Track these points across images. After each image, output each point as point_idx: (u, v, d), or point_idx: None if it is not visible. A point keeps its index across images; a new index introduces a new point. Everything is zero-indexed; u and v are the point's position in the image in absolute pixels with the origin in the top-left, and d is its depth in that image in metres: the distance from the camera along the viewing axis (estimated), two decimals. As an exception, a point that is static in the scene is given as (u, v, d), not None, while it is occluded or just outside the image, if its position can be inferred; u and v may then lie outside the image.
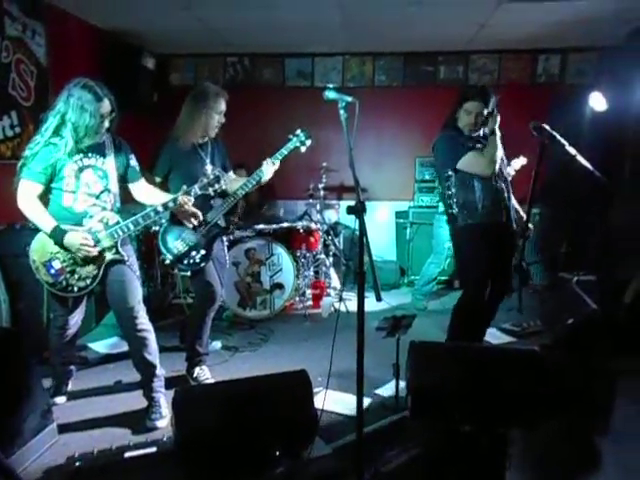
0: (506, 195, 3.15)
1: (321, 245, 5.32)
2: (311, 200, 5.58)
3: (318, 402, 2.38)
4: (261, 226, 4.84)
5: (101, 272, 2.67)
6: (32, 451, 2.47)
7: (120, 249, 2.68)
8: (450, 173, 3.10)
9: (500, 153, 3.02)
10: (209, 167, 3.13)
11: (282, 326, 4.53)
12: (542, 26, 4.96)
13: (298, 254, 5.03)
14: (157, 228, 3.20)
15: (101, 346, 3.94)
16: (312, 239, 5.15)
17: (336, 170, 5.68)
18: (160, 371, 2.88)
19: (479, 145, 3.08)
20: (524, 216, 3.36)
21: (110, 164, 2.70)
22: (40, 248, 2.61)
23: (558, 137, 3.10)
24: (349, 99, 2.18)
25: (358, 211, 2.00)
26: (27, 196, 2.55)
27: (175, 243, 3.09)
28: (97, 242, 2.61)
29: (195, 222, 3.02)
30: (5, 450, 2.24)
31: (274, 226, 4.94)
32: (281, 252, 4.71)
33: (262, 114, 6.15)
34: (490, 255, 3.07)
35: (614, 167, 4.74)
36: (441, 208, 4.43)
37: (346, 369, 3.12)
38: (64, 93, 2.51)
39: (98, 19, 4.87)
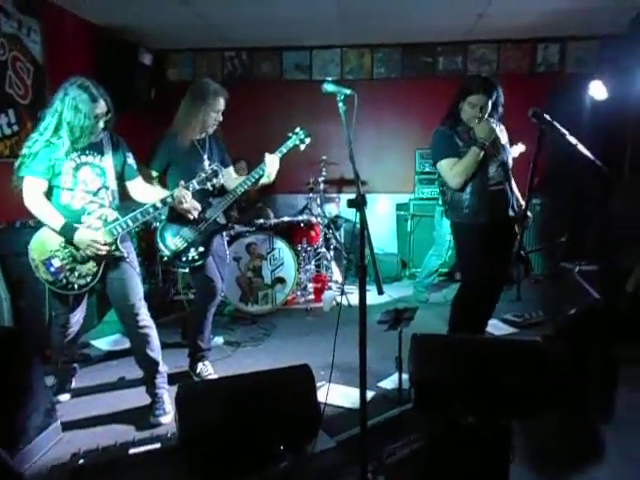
0: (505, 187, 3.14)
1: (322, 239, 5.32)
2: (311, 194, 5.58)
3: (321, 396, 2.39)
4: (261, 220, 4.84)
5: (101, 269, 2.67)
6: (37, 449, 2.47)
7: (120, 246, 2.68)
8: None
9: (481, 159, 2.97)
10: (207, 163, 3.12)
11: (284, 320, 4.54)
12: (540, 15, 4.93)
13: (299, 248, 5.03)
14: (157, 224, 3.19)
15: (103, 343, 3.95)
16: (313, 233, 5.16)
17: (336, 163, 5.68)
18: (163, 367, 2.89)
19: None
20: (523, 205, 3.35)
21: (108, 161, 2.70)
22: (39, 246, 2.60)
23: (558, 126, 3.08)
24: (348, 92, 2.17)
25: (359, 204, 1.99)
26: (33, 193, 2.54)
27: (173, 240, 3.09)
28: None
29: (195, 214, 3.00)
30: (10, 448, 2.24)
31: (275, 220, 4.94)
32: (282, 246, 4.70)
33: (260, 108, 6.13)
34: (485, 250, 3.06)
35: (615, 156, 4.73)
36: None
37: (349, 363, 3.12)
38: (60, 91, 2.50)
39: (94, 15, 4.85)
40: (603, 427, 2.66)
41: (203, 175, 2.79)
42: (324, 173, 5.55)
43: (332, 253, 5.46)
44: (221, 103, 3.08)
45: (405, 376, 2.91)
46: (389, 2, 4.48)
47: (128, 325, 2.78)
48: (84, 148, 2.61)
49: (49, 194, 2.60)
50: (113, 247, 2.65)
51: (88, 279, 2.66)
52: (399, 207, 6.10)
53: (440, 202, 3.39)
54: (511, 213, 3.15)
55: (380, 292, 1.97)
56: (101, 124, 2.58)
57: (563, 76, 5.84)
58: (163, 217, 3.16)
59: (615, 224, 4.29)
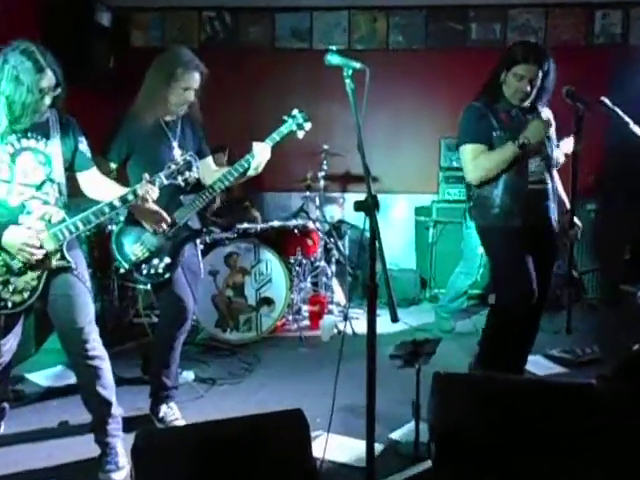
0: (547, 187, 3.15)
1: (321, 250, 5.33)
2: (308, 192, 5.59)
3: (318, 449, 2.37)
4: (245, 225, 4.84)
5: (42, 283, 2.66)
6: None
7: (66, 254, 2.67)
8: None
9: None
10: (178, 151, 3.13)
11: (271, 352, 4.53)
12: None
13: (292, 261, 5.03)
14: (113, 228, 3.20)
15: (42, 377, 3.93)
16: (310, 242, 5.16)
17: (340, 154, 5.68)
18: (117, 410, 2.86)
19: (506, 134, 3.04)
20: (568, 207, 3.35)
21: (55, 147, 2.69)
22: (-38, 252, 2.59)
23: (620, 113, 3.10)
24: (357, 65, 2.18)
25: (369, 207, 2.00)
26: None
27: (132, 248, 3.08)
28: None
29: (164, 226, 3.01)
30: None
31: (262, 225, 4.94)
32: (270, 258, 4.70)
33: (247, 83, 6.16)
34: (519, 262, 3.08)
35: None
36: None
37: (353, 407, 3.11)
38: None
39: (40, -37, 4.88)
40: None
41: (173, 167, 2.79)
42: (325, 167, 5.57)
43: (333, 268, 5.46)
44: (194, 78, 3.08)
45: (423, 426, 2.90)
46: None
47: (74, 355, 2.76)
48: (25, 130, 2.61)
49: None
50: (57, 255, 2.65)
51: (25, 295, 2.64)
52: (419, 211, 6.11)
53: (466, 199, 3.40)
54: (554, 219, 3.16)
55: (394, 319, 1.97)
56: (47, 100, 2.59)
57: (627, 49, 5.88)
58: (121, 218, 3.17)
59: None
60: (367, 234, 2.02)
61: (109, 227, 4.05)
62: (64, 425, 3.30)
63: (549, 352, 4.35)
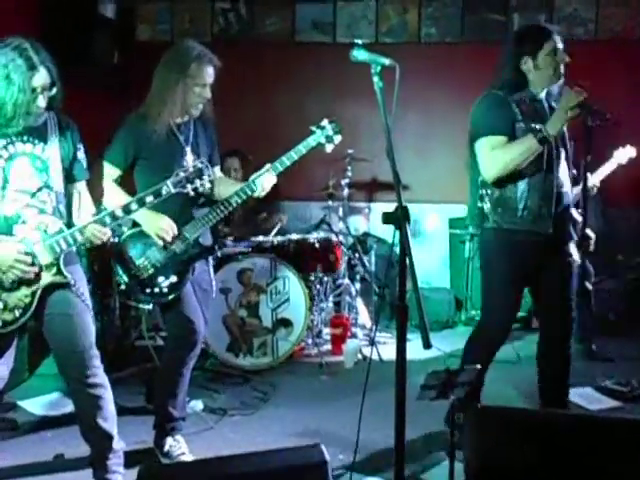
0: (567, 191, 3.19)
1: (345, 266, 5.32)
2: (331, 202, 5.59)
3: (339, 490, 2.36)
4: (260, 238, 4.85)
5: (36, 301, 2.67)
6: None
7: (63, 268, 2.69)
8: None
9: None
10: (190, 157, 3.14)
11: (288, 380, 4.52)
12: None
13: (312, 278, 5.03)
14: (115, 240, 3.22)
15: (36, 405, 3.96)
16: (332, 257, 5.15)
17: (367, 160, 5.69)
18: (118, 444, 2.87)
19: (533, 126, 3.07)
20: (578, 219, 3.40)
21: (53, 152, 2.73)
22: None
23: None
24: (386, 62, 2.18)
25: (398, 219, 1.99)
26: None
27: (136, 262, 3.11)
28: (33, 259, 2.63)
29: (168, 238, 3.03)
30: None
31: (280, 238, 4.95)
32: (288, 275, 4.71)
33: (264, 81, 6.20)
34: (523, 277, 3.17)
35: None
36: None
37: (379, 443, 3.09)
38: None
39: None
40: None
41: (182, 174, 2.77)
42: (349, 173, 5.57)
43: (358, 286, 5.45)
44: (208, 73, 3.12)
45: (459, 465, 2.87)
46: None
47: (73, 381, 2.77)
48: (19, 133, 2.65)
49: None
50: (53, 269, 2.67)
51: (17, 313, 2.65)
52: (453, 223, 6.09)
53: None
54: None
55: (427, 345, 1.96)
56: (41, 101, 2.62)
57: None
58: (124, 230, 3.18)
59: None
60: (396, 249, 2.02)
61: (111, 239, 4.08)
62: (60, 458, 3.31)
63: (601, 383, 4.29)
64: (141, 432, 3.44)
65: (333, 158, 5.51)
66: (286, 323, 4.72)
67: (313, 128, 3.28)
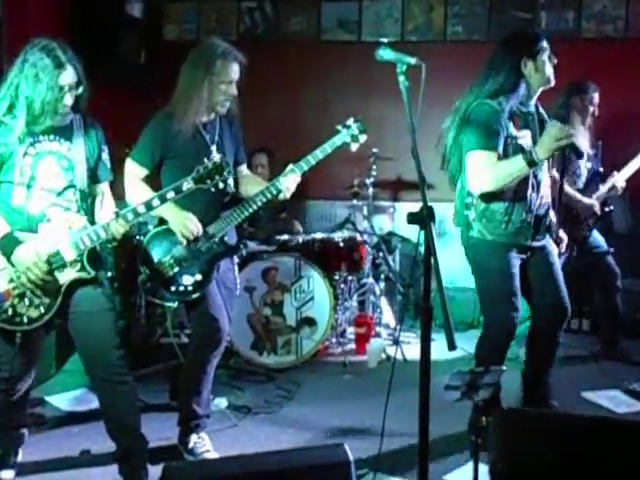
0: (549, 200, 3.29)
1: (369, 265, 5.31)
2: (355, 201, 5.58)
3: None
4: (285, 237, 4.86)
5: (60, 298, 2.70)
6: None
7: (87, 265, 2.70)
8: None
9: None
10: (217, 156, 3.15)
11: (312, 378, 4.53)
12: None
13: (336, 277, 5.02)
14: (141, 238, 3.24)
15: (63, 400, 4.00)
16: (357, 256, 5.14)
17: (392, 159, 5.67)
18: (143, 440, 2.90)
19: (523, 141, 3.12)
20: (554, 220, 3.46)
21: (78, 152, 2.75)
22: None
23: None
24: (412, 61, 2.18)
25: (423, 219, 1.98)
26: None
27: (161, 260, 3.13)
28: (59, 266, 2.63)
29: (192, 233, 3.04)
30: None
31: (304, 237, 4.95)
32: (313, 274, 4.71)
33: (289, 79, 6.20)
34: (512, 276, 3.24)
35: None
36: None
37: (403, 444, 3.08)
38: (20, 57, 2.59)
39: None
40: None
41: (201, 170, 2.76)
42: (374, 172, 5.56)
43: (382, 286, 5.43)
44: (234, 70, 3.13)
45: (483, 467, 2.85)
46: None
47: (97, 379, 2.80)
48: (46, 132, 2.68)
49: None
50: (77, 266, 2.69)
51: (42, 309, 2.67)
52: (480, 223, 6.04)
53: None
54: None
55: (452, 346, 1.95)
56: (68, 99, 2.64)
57: None
58: (150, 228, 3.21)
59: None
60: (421, 248, 2.01)
61: (137, 237, 4.11)
62: (86, 454, 3.33)
63: (630, 386, 4.23)
64: (165, 429, 3.46)
65: (358, 157, 5.49)
66: (310, 322, 4.73)
67: (339, 127, 3.28)
